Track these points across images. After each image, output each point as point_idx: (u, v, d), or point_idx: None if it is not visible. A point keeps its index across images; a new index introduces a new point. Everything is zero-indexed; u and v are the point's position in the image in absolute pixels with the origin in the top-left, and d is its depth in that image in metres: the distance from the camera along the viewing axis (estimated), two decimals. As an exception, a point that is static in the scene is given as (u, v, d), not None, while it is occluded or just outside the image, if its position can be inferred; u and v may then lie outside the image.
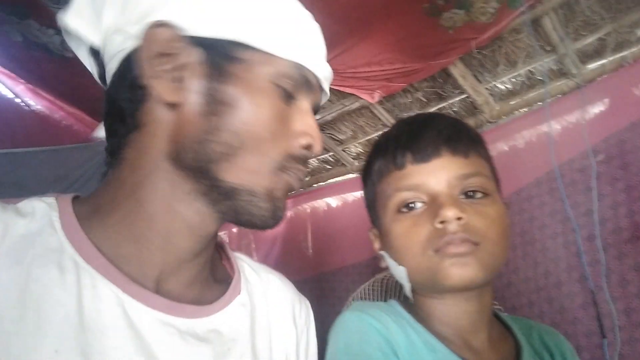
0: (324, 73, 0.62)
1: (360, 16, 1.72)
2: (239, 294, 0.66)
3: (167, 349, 0.55)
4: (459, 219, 0.65)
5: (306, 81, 0.59)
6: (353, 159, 3.03)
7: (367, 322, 0.69)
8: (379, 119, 2.62)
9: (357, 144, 2.93)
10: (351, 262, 2.67)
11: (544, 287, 1.88)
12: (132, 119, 0.57)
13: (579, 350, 0.79)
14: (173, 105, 0.55)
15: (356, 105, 2.55)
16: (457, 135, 0.72)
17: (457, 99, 2.36)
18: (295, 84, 0.58)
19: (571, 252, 1.81)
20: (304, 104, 0.60)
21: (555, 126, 1.88)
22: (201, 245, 0.61)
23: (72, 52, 0.63)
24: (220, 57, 0.55)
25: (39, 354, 0.47)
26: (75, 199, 0.59)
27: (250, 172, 0.56)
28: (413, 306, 0.76)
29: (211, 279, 0.66)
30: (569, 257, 1.82)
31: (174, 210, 0.57)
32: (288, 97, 0.58)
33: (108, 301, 0.52)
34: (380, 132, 2.69)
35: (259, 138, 0.55)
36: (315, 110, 0.65)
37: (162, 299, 0.56)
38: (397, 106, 2.54)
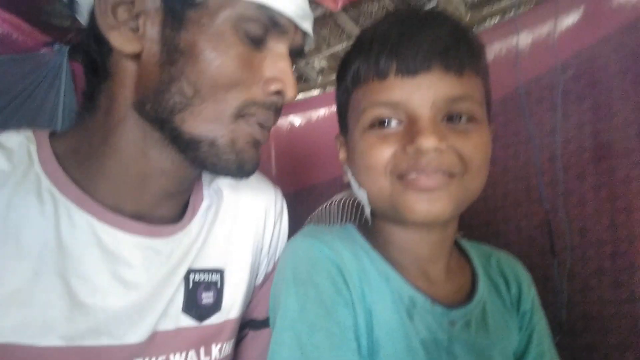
0: (296, 11, 0.57)
1: None
2: (202, 200, 0.71)
3: (142, 269, 0.59)
4: (436, 149, 0.56)
5: (274, 23, 0.56)
6: (317, 73, 2.87)
7: (317, 249, 0.63)
8: (344, 29, 2.44)
9: (320, 58, 2.75)
10: (314, 182, 2.62)
11: (501, 207, 1.86)
12: (103, 68, 0.58)
13: (533, 269, 0.76)
14: (134, 55, 0.56)
15: (318, 12, 2.33)
16: (455, 47, 0.60)
17: (428, 7, 2.19)
18: (261, 27, 0.56)
19: (531, 173, 1.77)
20: (277, 47, 0.58)
21: (524, 40, 1.75)
22: (177, 187, 0.64)
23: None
24: (177, 2, 0.54)
25: (19, 275, 0.51)
26: (51, 135, 0.61)
27: (208, 122, 0.56)
28: (371, 230, 0.70)
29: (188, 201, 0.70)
30: (529, 177, 1.78)
31: (146, 156, 0.59)
32: (254, 41, 0.56)
33: (83, 229, 0.56)
34: (345, 45, 2.54)
35: (215, 86, 0.54)
36: (297, 52, 0.63)
37: (138, 223, 0.60)
38: (363, 14, 2.35)
